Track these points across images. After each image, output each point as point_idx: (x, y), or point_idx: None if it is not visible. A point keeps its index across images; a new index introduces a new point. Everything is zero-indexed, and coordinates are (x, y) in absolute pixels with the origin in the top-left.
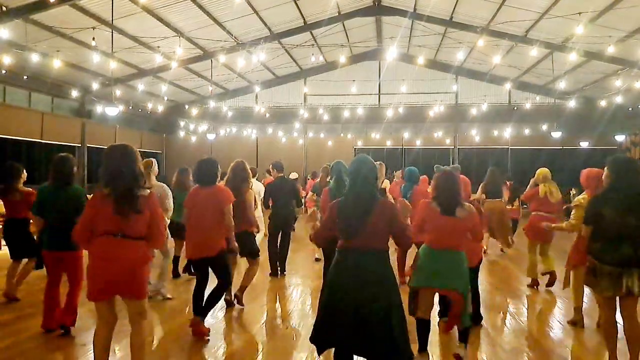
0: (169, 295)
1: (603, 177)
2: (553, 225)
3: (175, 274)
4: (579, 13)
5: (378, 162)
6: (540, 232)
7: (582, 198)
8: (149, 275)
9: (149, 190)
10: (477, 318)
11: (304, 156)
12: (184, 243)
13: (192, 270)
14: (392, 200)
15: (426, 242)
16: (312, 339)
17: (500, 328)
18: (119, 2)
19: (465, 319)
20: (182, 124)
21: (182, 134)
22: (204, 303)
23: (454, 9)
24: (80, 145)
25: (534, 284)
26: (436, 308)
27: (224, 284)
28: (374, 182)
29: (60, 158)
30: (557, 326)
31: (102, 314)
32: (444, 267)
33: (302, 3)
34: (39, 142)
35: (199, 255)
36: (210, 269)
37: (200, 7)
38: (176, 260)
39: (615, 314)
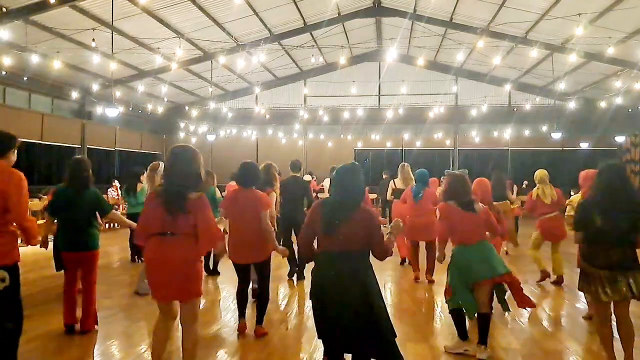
0: None
1: (587, 182)
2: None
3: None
4: (579, 14)
5: (404, 164)
6: (551, 232)
7: (576, 197)
8: (201, 273)
9: (199, 193)
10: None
11: (304, 157)
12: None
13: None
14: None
15: (456, 242)
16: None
17: (499, 328)
18: (119, 3)
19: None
20: (182, 125)
21: (182, 135)
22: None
23: (454, 10)
24: (80, 146)
25: (545, 276)
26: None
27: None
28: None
29: (75, 161)
30: (557, 326)
31: (162, 309)
32: (481, 258)
33: (302, 4)
34: (39, 143)
35: (252, 260)
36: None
37: (200, 8)
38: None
39: (609, 314)
